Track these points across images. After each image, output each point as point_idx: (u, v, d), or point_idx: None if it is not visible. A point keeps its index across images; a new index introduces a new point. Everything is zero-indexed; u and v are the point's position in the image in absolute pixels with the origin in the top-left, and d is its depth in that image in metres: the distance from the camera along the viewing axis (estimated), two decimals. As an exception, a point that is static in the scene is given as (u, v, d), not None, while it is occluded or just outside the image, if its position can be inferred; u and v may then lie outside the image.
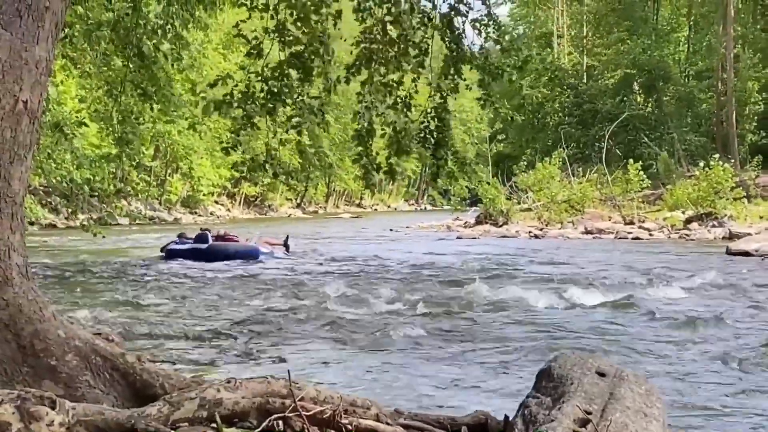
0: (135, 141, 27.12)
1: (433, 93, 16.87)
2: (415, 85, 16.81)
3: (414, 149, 17.33)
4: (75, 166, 27.55)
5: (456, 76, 16.73)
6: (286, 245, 30.58)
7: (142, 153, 58.82)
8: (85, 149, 44.92)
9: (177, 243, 28.76)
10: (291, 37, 15.83)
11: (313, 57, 15.78)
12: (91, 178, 47.26)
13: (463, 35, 16.76)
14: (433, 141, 16.89)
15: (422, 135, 16.87)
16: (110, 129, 23.96)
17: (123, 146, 23.82)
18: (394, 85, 16.41)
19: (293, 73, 16.03)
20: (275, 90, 16.06)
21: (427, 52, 16.44)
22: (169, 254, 27.81)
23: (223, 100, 16.03)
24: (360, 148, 16.93)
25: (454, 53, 16.58)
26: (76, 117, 30.52)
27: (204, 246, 27.57)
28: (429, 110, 16.92)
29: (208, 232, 29.17)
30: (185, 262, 25.99)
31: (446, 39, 16.60)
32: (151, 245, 33.53)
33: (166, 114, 27.53)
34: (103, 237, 24.63)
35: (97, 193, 57.51)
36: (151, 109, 22.90)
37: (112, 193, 57.14)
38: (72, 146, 23.39)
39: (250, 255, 27.63)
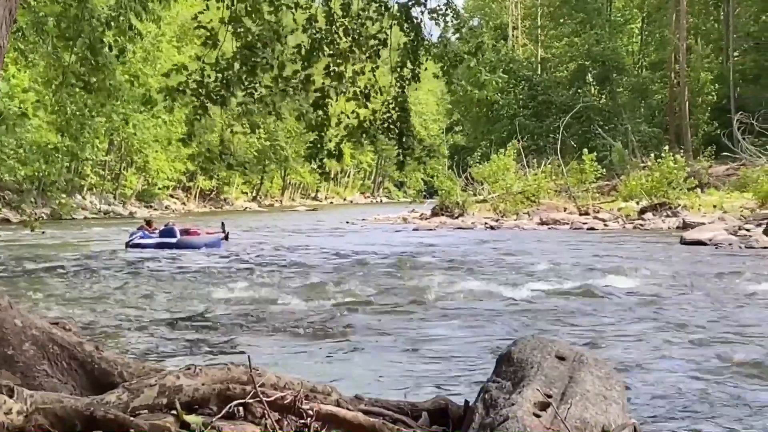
0: (83, 135, 26.97)
1: (393, 83, 16.88)
2: (374, 75, 16.79)
3: (377, 139, 17.38)
4: (19, 161, 27.42)
5: (416, 66, 16.80)
6: (224, 232, 31.16)
7: (96, 147, 58.44)
8: (35, 143, 44.67)
9: (142, 237, 28.83)
10: (242, 29, 15.75)
11: (263, 49, 15.69)
12: (39, 173, 46.95)
13: (422, 25, 16.81)
14: (396, 131, 16.92)
15: (385, 125, 16.89)
16: (60, 122, 23.79)
17: (71, 140, 23.67)
18: (354, 75, 16.38)
19: (239, 65, 15.94)
20: (227, 80, 15.96)
21: (385, 42, 16.44)
22: (134, 247, 27.99)
23: (177, 88, 15.91)
24: (315, 138, 16.87)
25: (414, 42, 16.62)
26: (20, 108, 30.30)
27: (173, 240, 28.12)
28: (390, 100, 16.94)
29: (174, 227, 29.55)
30: (143, 255, 25.94)
31: (405, 29, 16.63)
32: (108, 239, 33.38)
33: (120, 107, 27.41)
34: (43, 232, 24.54)
35: (50, 189, 57.14)
36: (102, 105, 22.66)
37: (59, 189, 56.54)
38: (19, 140, 23.23)
39: (214, 245, 28.64)
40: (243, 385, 4.70)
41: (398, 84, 16.94)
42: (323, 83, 16.40)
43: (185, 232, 29.60)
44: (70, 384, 4.90)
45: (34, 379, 4.81)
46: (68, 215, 55.60)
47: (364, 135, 16.81)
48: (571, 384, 4.96)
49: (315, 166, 17.77)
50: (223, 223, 32.63)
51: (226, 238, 30.78)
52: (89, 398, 4.46)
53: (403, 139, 17.00)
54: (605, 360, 5.69)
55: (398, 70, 16.90)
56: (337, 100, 16.55)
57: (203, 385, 4.62)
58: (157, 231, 29.80)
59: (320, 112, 16.45)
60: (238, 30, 15.72)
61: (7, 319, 4.91)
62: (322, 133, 16.73)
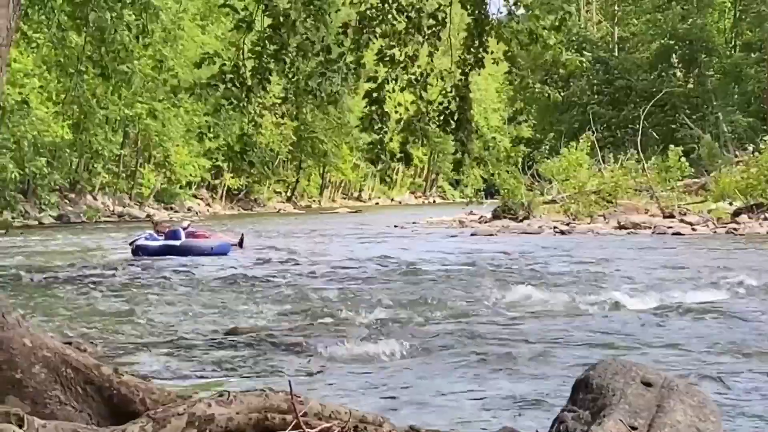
0: (95, 125, 27.34)
1: (454, 69, 16.71)
2: (431, 60, 16.69)
3: (431, 131, 17.20)
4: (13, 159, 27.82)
5: (481, 49, 16.57)
6: (240, 243, 32.93)
7: (108, 139, 58.86)
8: (43, 136, 45.13)
9: (147, 238, 30.28)
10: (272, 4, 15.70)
11: (293, 29, 15.63)
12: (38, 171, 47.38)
13: (487, 1, 16.64)
14: (454, 124, 16.69)
15: (442, 117, 16.69)
16: (67, 112, 24.11)
17: (80, 132, 24.03)
18: (408, 60, 16.28)
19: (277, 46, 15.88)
20: (263, 66, 15.95)
21: (444, 22, 16.31)
22: (138, 251, 29.30)
23: (208, 83, 15.94)
24: (374, 136, 16.70)
25: (478, 21, 16.43)
26: (20, 94, 30.68)
27: (177, 243, 29.41)
28: (450, 89, 16.74)
29: (180, 229, 30.91)
30: (156, 262, 26.56)
31: (468, 6, 16.43)
32: (119, 246, 33.66)
33: (138, 95, 27.72)
34: (22, 234, 25.04)
35: (58, 187, 57.67)
36: (113, 92, 22.89)
37: (51, 189, 56.85)
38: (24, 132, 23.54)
39: (222, 251, 30.07)
40: (283, 414, 4.71)
41: (460, 71, 16.73)
42: (376, 71, 16.32)
43: (192, 234, 30.85)
44: (86, 412, 4.94)
45: (46, 407, 4.85)
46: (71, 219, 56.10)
47: (418, 129, 16.60)
48: (660, 414, 4.94)
49: (378, 172, 17.69)
50: (243, 234, 34.24)
51: (241, 245, 32.64)
52: (109, 429, 4.49)
53: (463, 134, 16.76)
54: (698, 387, 5.65)
55: (461, 54, 16.72)
56: (394, 90, 16.42)
57: (238, 414, 4.64)
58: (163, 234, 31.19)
59: (374, 107, 16.32)
60: (270, 5, 15.67)
61: (15, 338, 4.94)
62: (382, 133, 16.54)
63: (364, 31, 16.04)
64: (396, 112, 16.79)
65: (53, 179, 54.05)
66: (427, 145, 18.15)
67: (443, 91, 16.78)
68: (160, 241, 29.86)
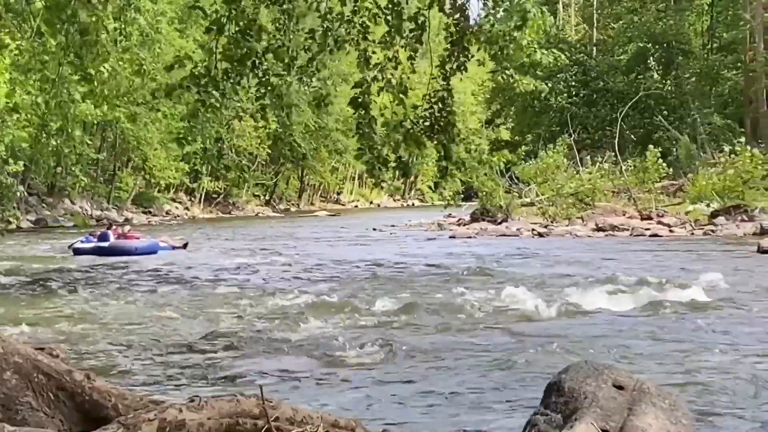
0: (69, 128, 27.30)
1: (436, 74, 16.71)
2: (412, 65, 16.71)
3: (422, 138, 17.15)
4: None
5: (462, 53, 16.56)
6: (184, 246, 36.42)
7: (85, 143, 58.57)
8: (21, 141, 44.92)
9: (83, 241, 33.99)
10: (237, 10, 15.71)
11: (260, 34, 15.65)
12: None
13: (467, 5, 16.66)
14: (438, 130, 16.68)
15: (426, 123, 16.68)
16: (39, 115, 24.13)
17: (49, 136, 24.14)
18: (388, 62, 16.28)
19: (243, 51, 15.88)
20: (235, 69, 15.98)
21: (424, 26, 16.31)
22: (76, 252, 33.07)
23: (180, 84, 15.97)
24: (362, 141, 16.71)
25: (459, 25, 16.43)
26: (6, 103, 30.67)
27: (106, 244, 33.18)
28: (431, 94, 16.72)
29: (109, 232, 34.65)
30: (129, 265, 27.51)
31: (447, 10, 16.44)
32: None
33: (115, 99, 27.70)
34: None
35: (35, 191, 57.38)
36: (94, 95, 22.88)
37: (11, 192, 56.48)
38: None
39: (150, 251, 33.41)
40: (254, 420, 4.71)
41: (441, 76, 16.72)
42: (362, 77, 16.34)
43: (123, 236, 34.58)
44: (57, 418, 4.93)
45: (17, 413, 4.84)
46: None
47: (410, 135, 16.53)
48: (631, 417, 4.97)
49: (376, 182, 17.70)
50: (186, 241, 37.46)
51: (184, 247, 35.92)
52: (80, 435, 4.48)
53: (446, 139, 16.74)
54: (670, 390, 5.67)
55: (441, 58, 16.70)
56: (378, 93, 16.43)
57: (209, 419, 4.64)
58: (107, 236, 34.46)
59: (362, 111, 16.31)
60: (237, 10, 15.69)
61: (-15, 344, 4.94)
62: (372, 137, 16.51)
63: (329, 34, 16.06)
64: (381, 115, 16.80)
65: (18, 189, 53.73)
66: (419, 151, 18.07)
67: (426, 96, 16.78)
68: (93, 243, 33.51)
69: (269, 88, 16.25)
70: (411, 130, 16.52)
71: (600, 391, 5.16)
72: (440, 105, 16.67)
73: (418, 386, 9.84)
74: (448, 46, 16.68)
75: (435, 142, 17.05)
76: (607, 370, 5.46)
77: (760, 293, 18.19)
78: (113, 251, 32.39)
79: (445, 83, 16.75)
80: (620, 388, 5.24)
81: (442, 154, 16.99)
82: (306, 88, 16.41)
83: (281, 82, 16.20)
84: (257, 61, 15.85)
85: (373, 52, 16.41)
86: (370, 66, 16.25)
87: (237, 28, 15.63)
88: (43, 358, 5.11)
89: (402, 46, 16.49)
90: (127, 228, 38.26)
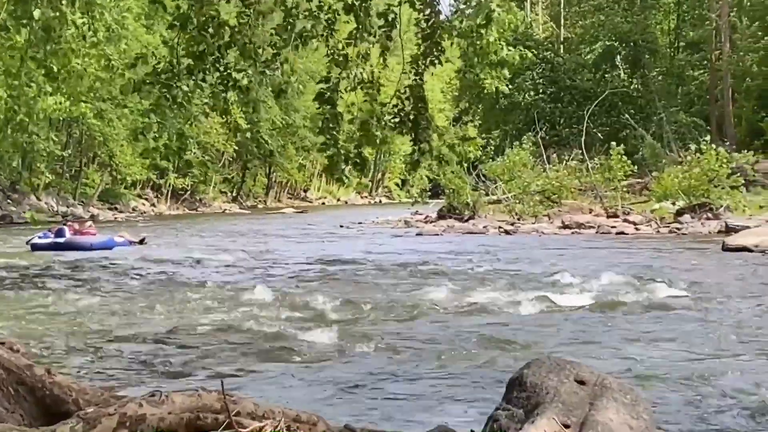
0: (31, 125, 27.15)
1: (407, 69, 16.68)
2: (384, 61, 16.68)
3: (387, 135, 17.09)
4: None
5: (434, 49, 16.55)
6: (141, 241, 37.76)
7: (50, 140, 58.26)
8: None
9: (41, 237, 34.38)
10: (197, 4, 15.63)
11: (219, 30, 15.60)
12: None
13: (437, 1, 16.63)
14: (410, 124, 16.64)
15: (398, 119, 16.64)
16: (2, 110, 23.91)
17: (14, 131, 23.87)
18: (357, 60, 16.24)
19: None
20: (198, 65, 15.91)
21: (394, 23, 16.28)
22: (34, 248, 33.34)
23: (144, 81, 15.89)
24: (325, 137, 16.64)
25: (431, 21, 16.42)
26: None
27: (62, 240, 33.66)
28: (403, 90, 16.71)
29: (65, 228, 35.18)
30: (87, 261, 27.59)
31: (417, 5, 16.40)
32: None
33: (80, 95, 27.57)
34: None
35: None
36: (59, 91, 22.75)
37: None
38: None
39: (105, 247, 34.28)
40: (216, 414, 4.70)
41: (412, 71, 16.70)
42: (329, 72, 16.31)
43: (78, 232, 35.26)
44: (17, 413, 4.90)
45: (-24, 408, 4.81)
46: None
47: (373, 131, 16.47)
48: (592, 412, 4.98)
49: (333, 174, 17.64)
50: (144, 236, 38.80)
51: (142, 242, 37.31)
52: (40, 429, 4.46)
53: (420, 134, 16.72)
54: (631, 385, 5.69)
55: (413, 54, 16.69)
56: (346, 90, 16.39)
57: (170, 414, 4.62)
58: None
59: (328, 107, 16.28)
60: (196, 6, 15.61)
61: (-56, 339, 4.91)
62: (334, 132, 16.46)
63: (291, 29, 16.01)
64: (349, 112, 16.74)
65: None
66: (380, 147, 18.03)
67: (396, 92, 16.76)
68: (50, 239, 33.91)
69: (230, 83, 16.16)
70: (378, 125, 16.46)
71: (562, 386, 5.17)
72: (411, 100, 16.63)
73: (380, 382, 9.86)
74: (419, 41, 16.65)
75: (408, 137, 17.04)
76: (569, 366, 5.47)
77: (723, 290, 18.29)
78: (69, 246, 33.07)
79: (417, 78, 16.70)
80: (582, 383, 5.26)
81: (417, 148, 16.95)
82: (268, 80, 16.28)
83: (243, 77, 16.12)
84: (219, 57, 15.77)
85: (342, 49, 16.33)
86: (339, 62, 16.19)
87: (195, 24, 15.54)
88: (2, 352, 5.09)
89: (372, 44, 16.41)
90: (88, 224, 38.71)
